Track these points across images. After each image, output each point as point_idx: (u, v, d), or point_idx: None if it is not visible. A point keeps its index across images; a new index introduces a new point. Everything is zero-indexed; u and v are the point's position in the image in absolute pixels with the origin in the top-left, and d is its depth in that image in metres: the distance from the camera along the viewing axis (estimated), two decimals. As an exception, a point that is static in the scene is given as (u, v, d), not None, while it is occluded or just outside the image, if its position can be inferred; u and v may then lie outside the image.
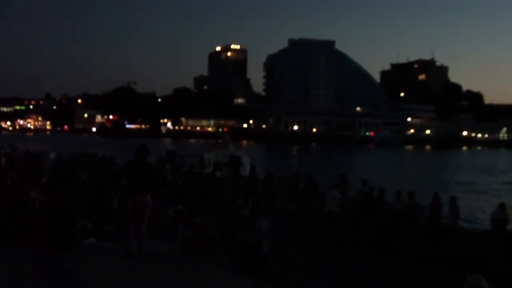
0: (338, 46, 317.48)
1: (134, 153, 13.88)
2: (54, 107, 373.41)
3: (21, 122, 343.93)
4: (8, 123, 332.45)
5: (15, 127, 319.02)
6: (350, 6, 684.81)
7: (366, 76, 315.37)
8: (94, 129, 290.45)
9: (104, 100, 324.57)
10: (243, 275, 13.70)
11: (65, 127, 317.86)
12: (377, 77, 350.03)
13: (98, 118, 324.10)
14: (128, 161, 14.60)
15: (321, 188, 29.69)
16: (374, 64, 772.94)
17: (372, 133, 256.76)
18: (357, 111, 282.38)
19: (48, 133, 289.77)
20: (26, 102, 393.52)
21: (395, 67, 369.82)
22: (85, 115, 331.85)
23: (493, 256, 19.92)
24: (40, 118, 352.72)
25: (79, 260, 13.06)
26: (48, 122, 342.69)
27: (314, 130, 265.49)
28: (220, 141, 59.47)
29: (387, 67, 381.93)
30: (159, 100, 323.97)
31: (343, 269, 18.22)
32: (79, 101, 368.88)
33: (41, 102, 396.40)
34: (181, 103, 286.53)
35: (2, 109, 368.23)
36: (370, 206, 23.83)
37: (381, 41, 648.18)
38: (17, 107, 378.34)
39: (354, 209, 24.54)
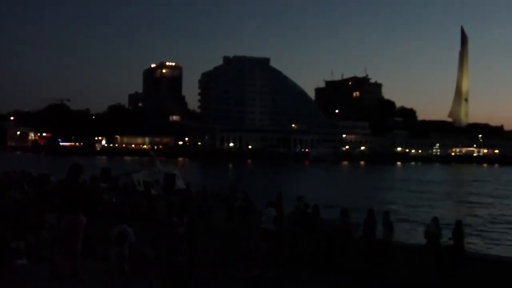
0: (273, 64, 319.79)
1: (67, 173, 13.70)
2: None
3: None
4: None
5: None
6: (284, 24, 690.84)
7: (301, 93, 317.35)
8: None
9: (37, 117, 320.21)
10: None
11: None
12: (312, 94, 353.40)
13: (31, 135, 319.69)
14: (61, 181, 14.39)
15: (256, 206, 29.73)
16: (309, 81, 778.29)
17: (307, 150, 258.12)
18: (293, 127, 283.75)
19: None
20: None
21: (330, 84, 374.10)
22: (18, 132, 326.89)
23: (426, 271, 20.13)
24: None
25: (8, 283, 12.81)
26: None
27: (250, 147, 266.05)
28: (151, 157, 59.11)
29: (321, 84, 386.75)
30: (94, 117, 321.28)
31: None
32: (11, 118, 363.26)
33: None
34: (116, 120, 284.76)
35: None
36: (305, 223, 23.87)
37: (315, 58, 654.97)
38: None
39: (289, 226, 24.58)
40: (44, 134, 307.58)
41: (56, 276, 13.14)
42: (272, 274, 14.43)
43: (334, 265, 20.63)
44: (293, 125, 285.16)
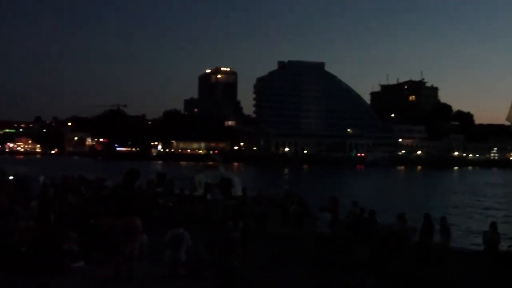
0: (328, 68, 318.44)
1: (124, 177, 13.79)
2: (44, 130, 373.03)
3: (11, 145, 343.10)
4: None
5: (4, 150, 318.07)
6: (339, 28, 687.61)
7: (356, 97, 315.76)
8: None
9: (94, 123, 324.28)
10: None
11: (55, 150, 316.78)
12: (367, 98, 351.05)
13: (88, 141, 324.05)
14: (117, 185, 14.51)
15: (312, 210, 29.59)
16: (364, 86, 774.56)
17: (362, 154, 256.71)
18: (348, 132, 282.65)
19: (38, 156, 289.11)
20: (15, 125, 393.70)
21: (385, 88, 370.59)
22: (75, 138, 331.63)
23: (484, 277, 19.83)
24: (30, 141, 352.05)
25: (67, 284, 12.94)
26: (38, 145, 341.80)
27: (305, 151, 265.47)
28: (210, 162, 59.30)
29: (377, 88, 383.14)
30: (150, 122, 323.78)
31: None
32: (69, 124, 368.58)
33: (30, 125, 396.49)
34: (171, 125, 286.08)
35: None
36: (360, 227, 23.70)
37: (371, 62, 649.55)
38: (7, 130, 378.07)
39: (344, 231, 24.41)
40: (101, 140, 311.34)
41: (115, 278, 13.26)
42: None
43: (386, 269, 20.46)
44: (348, 130, 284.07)
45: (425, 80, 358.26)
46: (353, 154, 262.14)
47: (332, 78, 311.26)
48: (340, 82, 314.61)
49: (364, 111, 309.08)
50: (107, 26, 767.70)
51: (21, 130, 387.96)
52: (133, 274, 13.47)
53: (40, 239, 14.71)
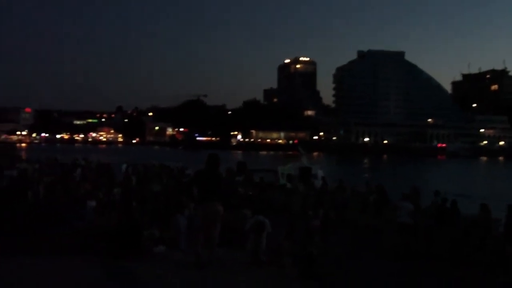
0: (408, 57, 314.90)
1: (206, 162, 13.90)
2: (126, 120, 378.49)
3: (94, 134, 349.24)
4: (81, 135, 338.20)
5: (87, 140, 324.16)
6: (419, 17, 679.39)
7: (437, 87, 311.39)
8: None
9: (175, 113, 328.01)
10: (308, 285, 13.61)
11: (136, 139, 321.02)
12: (448, 87, 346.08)
13: (169, 130, 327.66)
14: (199, 170, 14.64)
15: (391, 200, 29.40)
16: (445, 75, 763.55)
17: (442, 145, 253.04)
18: (429, 122, 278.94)
19: (120, 145, 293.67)
20: (98, 115, 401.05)
21: (467, 77, 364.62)
22: (156, 127, 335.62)
23: None
24: (112, 131, 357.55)
25: (148, 268, 13.15)
26: (119, 135, 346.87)
27: (385, 141, 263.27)
28: (290, 152, 59.60)
29: (458, 77, 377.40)
30: (229, 112, 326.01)
31: (413, 282, 17.89)
32: (150, 114, 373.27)
33: (112, 115, 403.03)
34: (251, 115, 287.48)
35: (75, 122, 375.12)
36: (443, 218, 23.40)
37: (452, 51, 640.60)
38: (90, 120, 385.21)
39: (426, 221, 24.14)
40: (181, 129, 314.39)
41: (195, 263, 13.38)
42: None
43: (471, 260, 20.18)
44: (429, 120, 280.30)
45: (508, 69, 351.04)
46: (434, 144, 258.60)
47: (412, 67, 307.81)
48: (420, 71, 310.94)
49: (445, 100, 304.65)
50: (188, 18, 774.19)
51: (103, 120, 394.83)
52: (213, 260, 13.58)
53: (123, 225, 14.97)
